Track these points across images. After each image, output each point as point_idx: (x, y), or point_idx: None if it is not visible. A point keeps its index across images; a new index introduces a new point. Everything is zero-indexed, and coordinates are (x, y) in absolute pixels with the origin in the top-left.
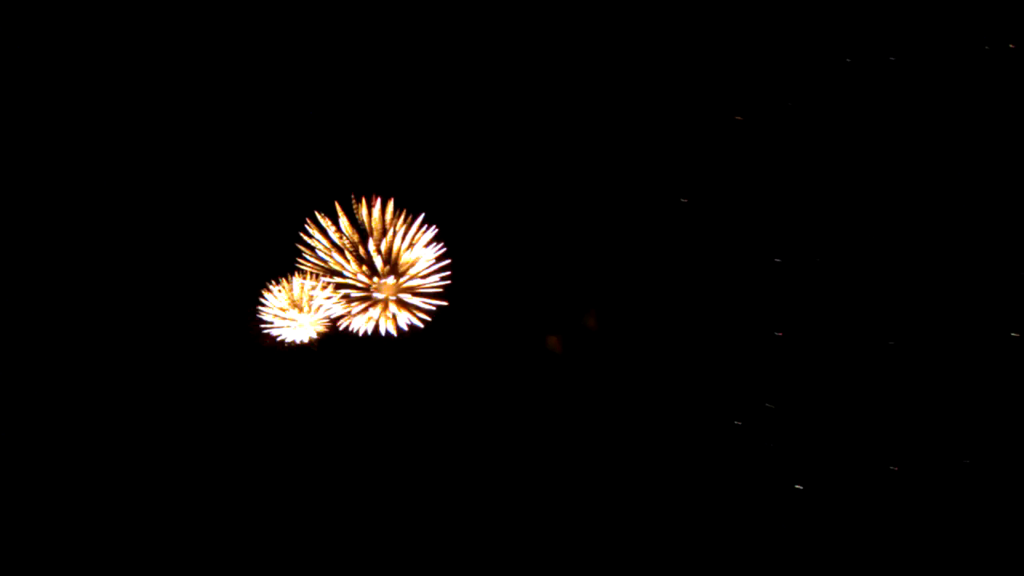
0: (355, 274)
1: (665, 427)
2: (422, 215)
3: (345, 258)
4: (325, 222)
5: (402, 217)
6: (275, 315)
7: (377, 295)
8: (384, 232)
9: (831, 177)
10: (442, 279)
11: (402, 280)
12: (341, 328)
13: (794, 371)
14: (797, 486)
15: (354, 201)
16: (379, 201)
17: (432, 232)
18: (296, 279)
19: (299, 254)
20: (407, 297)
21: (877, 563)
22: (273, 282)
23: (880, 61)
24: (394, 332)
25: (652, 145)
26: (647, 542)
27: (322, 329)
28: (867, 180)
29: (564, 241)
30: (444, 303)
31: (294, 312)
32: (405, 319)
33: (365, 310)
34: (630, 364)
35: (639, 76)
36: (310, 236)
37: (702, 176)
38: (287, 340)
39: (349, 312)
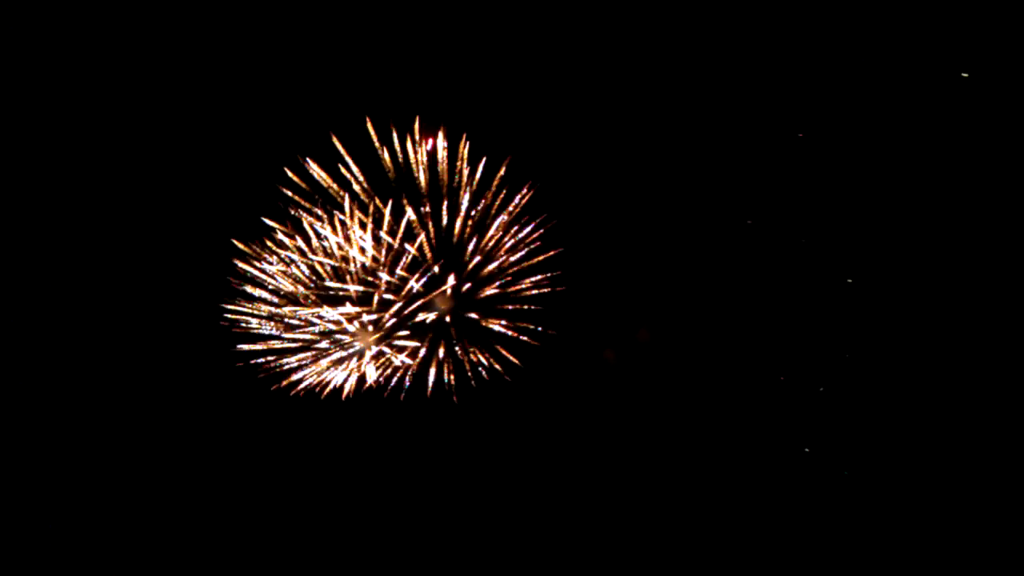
0: (377, 276)
1: (719, 445)
2: (506, 159)
3: (353, 244)
4: (314, 169)
5: (466, 165)
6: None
7: (425, 313)
8: (439, 194)
9: (906, 200)
10: (545, 282)
11: (470, 287)
12: (347, 383)
13: (863, 396)
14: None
15: (372, 130)
16: (419, 129)
17: (525, 193)
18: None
19: (257, 235)
20: (477, 317)
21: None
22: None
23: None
24: (453, 388)
25: (721, 164)
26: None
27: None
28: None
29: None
30: (549, 331)
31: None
32: (475, 365)
33: (400, 350)
34: (685, 380)
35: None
36: (284, 204)
37: (768, 195)
38: (332, 380)
39: (363, 352)
